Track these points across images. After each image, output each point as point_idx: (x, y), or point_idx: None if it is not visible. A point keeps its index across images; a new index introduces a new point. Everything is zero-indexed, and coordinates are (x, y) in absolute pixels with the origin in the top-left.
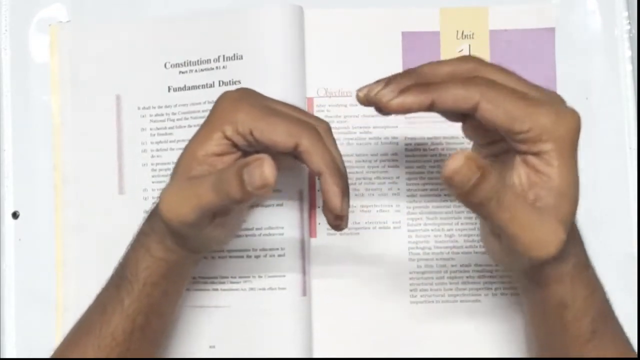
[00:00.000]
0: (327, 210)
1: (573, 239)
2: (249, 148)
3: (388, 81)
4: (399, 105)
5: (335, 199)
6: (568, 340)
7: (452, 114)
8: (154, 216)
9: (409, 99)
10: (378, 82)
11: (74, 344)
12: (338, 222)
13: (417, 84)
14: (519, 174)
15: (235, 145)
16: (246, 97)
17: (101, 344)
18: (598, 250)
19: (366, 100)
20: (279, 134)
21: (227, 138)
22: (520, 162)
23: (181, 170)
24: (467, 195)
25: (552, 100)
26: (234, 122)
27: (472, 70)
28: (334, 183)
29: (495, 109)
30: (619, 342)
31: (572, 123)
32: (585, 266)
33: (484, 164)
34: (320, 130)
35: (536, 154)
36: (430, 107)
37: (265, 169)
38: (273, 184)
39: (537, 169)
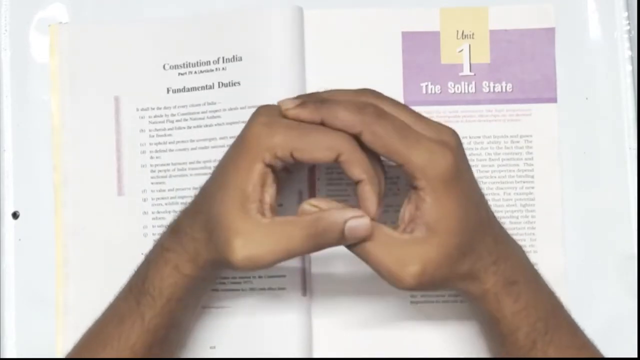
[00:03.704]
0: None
1: (493, 260)
2: (282, 166)
3: (297, 96)
4: (294, 115)
5: (372, 207)
6: (510, 350)
7: None
8: (183, 235)
9: (303, 112)
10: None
11: (87, 354)
12: None
13: (315, 100)
14: (406, 209)
15: (273, 171)
16: (275, 119)
17: (119, 355)
18: (598, 250)
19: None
20: (320, 151)
21: (267, 166)
22: (408, 198)
23: (237, 211)
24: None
25: (431, 139)
26: (271, 147)
27: (366, 100)
28: (372, 191)
29: (376, 141)
30: (567, 350)
31: (444, 163)
32: (511, 283)
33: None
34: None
35: (415, 189)
36: (323, 124)
37: (367, 221)
38: None
39: (416, 205)
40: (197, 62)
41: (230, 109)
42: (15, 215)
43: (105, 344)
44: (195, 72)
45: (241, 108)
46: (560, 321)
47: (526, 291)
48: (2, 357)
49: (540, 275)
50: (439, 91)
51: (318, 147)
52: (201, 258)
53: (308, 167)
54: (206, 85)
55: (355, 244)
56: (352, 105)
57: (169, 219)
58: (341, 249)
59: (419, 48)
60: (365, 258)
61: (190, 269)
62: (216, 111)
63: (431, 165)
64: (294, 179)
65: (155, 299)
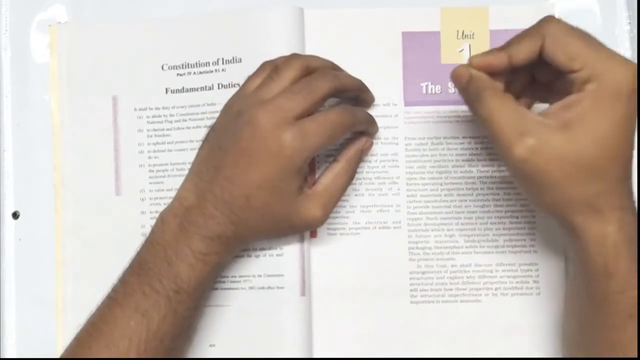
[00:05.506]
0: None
1: (621, 206)
2: None
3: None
4: (484, 63)
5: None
6: (609, 314)
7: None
8: (215, 239)
9: (490, 57)
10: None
11: (105, 346)
12: None
13: (498, 47)
14: (555, 105)
15: None
16: (298, 127)
17: (147, 347)
18: None
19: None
20: (338, 134)
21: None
22: (560, 102)
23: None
24: (462, 92)
25: (615, 54)
26: (309, 156)
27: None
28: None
29: (557, 45)
30: None
31: (623, 74)
32: (631, 241)
33: (474, 73)
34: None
35: (579, 92)
36: (510, 63)
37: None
38: None
39: (568, 105)
40: (197, 63)
41: None
42: (15, 215)
43: (124, 335)
44: (195, 73)
45: None
46: None
47: (638, 257)
48: (2, 357)
49: None
50: (439, 91)
51: (335, 135)
52: (237, 246)
53: None
54: (205, 86)
55: (480, 104)
56: (529, 31)
57: None
58: (342, 246)
59: (419, 48)
60: (486, 118)
61: (225, 259)
62: (216, 112)
63: (611, 71)
64: None
65: (190, 294)
